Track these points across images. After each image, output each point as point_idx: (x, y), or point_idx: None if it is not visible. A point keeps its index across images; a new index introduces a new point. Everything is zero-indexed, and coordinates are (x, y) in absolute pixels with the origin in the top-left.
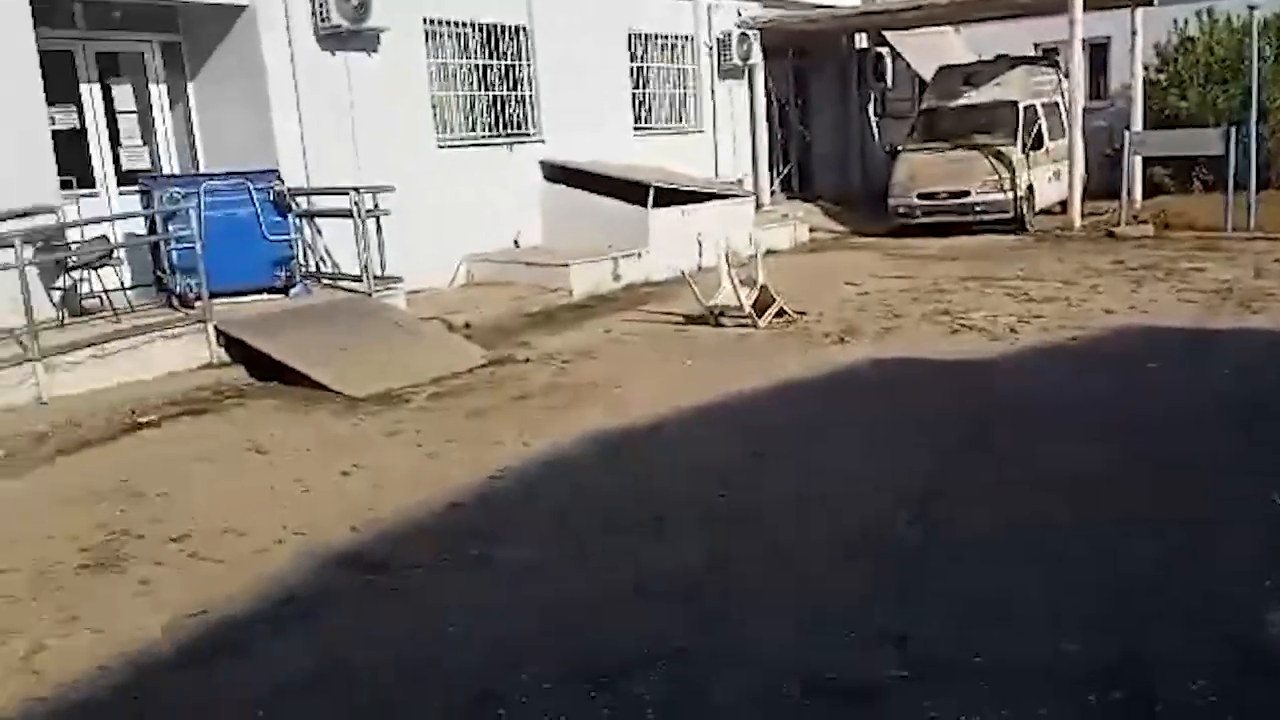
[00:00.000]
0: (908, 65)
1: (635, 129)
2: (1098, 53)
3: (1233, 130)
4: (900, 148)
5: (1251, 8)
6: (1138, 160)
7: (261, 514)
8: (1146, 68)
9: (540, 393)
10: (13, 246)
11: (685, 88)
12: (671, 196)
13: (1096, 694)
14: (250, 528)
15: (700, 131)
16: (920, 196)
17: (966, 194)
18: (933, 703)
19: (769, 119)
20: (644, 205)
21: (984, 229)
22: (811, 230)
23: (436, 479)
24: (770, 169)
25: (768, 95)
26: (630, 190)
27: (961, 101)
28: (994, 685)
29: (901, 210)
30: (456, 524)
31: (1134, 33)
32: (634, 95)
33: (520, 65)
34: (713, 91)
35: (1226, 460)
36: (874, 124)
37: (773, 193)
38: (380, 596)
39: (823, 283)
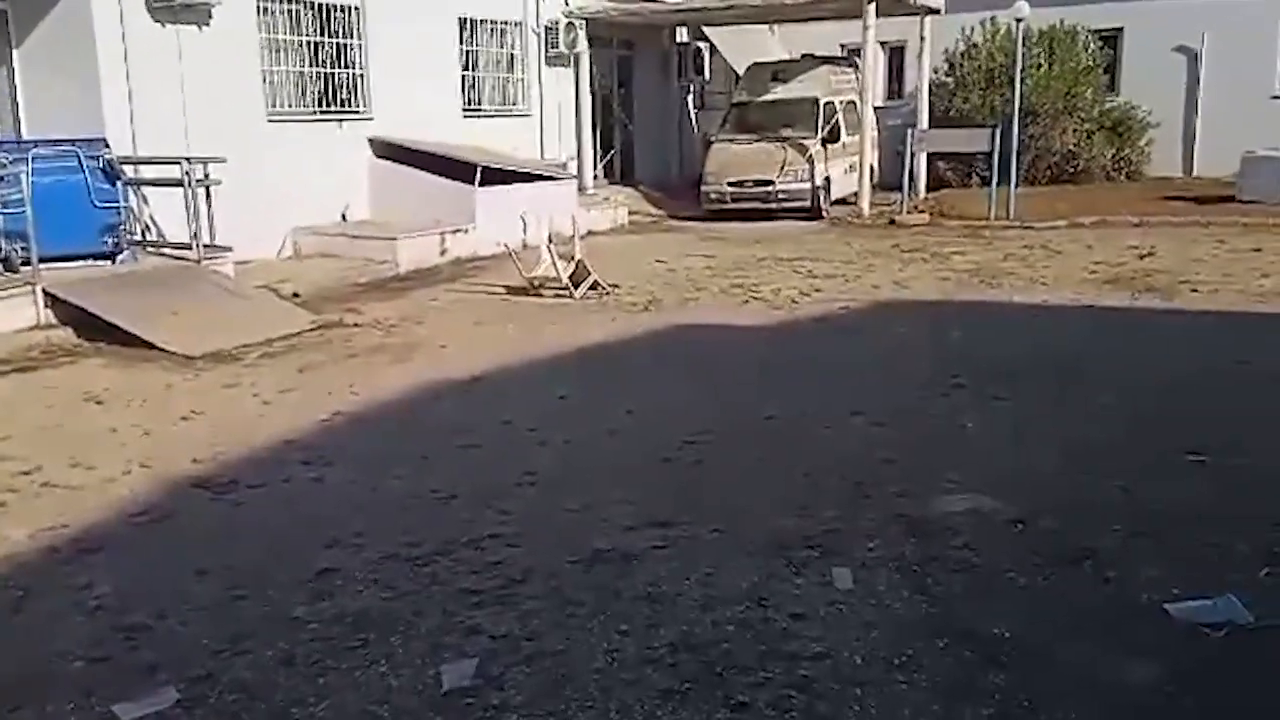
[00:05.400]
0: (725, 60)
1: (464, 110)
2: (896, 55)
3: (998, 130)
4: (713, 138)
5: (1017, 20)
6: (923, 156)
7: (106, 452)
8: (936, 71)
9: (367, 352)
10: None
11: (513, 72)
12: (498, 176)
13: None
14: (97, 462)
15: (527, 115)
16: (730, 184)
17: (770, 183)
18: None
19: (593, 106)
20: (471, 183)
21: (785, 216)
22: (631, 214)
23: (273, 422)
24: (594, 154)
25: (592, 83)
26: (458, 169)
27: (768, 96)
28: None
29: (713, 196)
30: (293, 455)
31: (922, 38)
32: (463, 77)
33: (351, 44)
34: (540, 77)
35: (925, 379)
36: (693, 115)
37: (596, 177)
38: (229, 507)
39: (637, 260)
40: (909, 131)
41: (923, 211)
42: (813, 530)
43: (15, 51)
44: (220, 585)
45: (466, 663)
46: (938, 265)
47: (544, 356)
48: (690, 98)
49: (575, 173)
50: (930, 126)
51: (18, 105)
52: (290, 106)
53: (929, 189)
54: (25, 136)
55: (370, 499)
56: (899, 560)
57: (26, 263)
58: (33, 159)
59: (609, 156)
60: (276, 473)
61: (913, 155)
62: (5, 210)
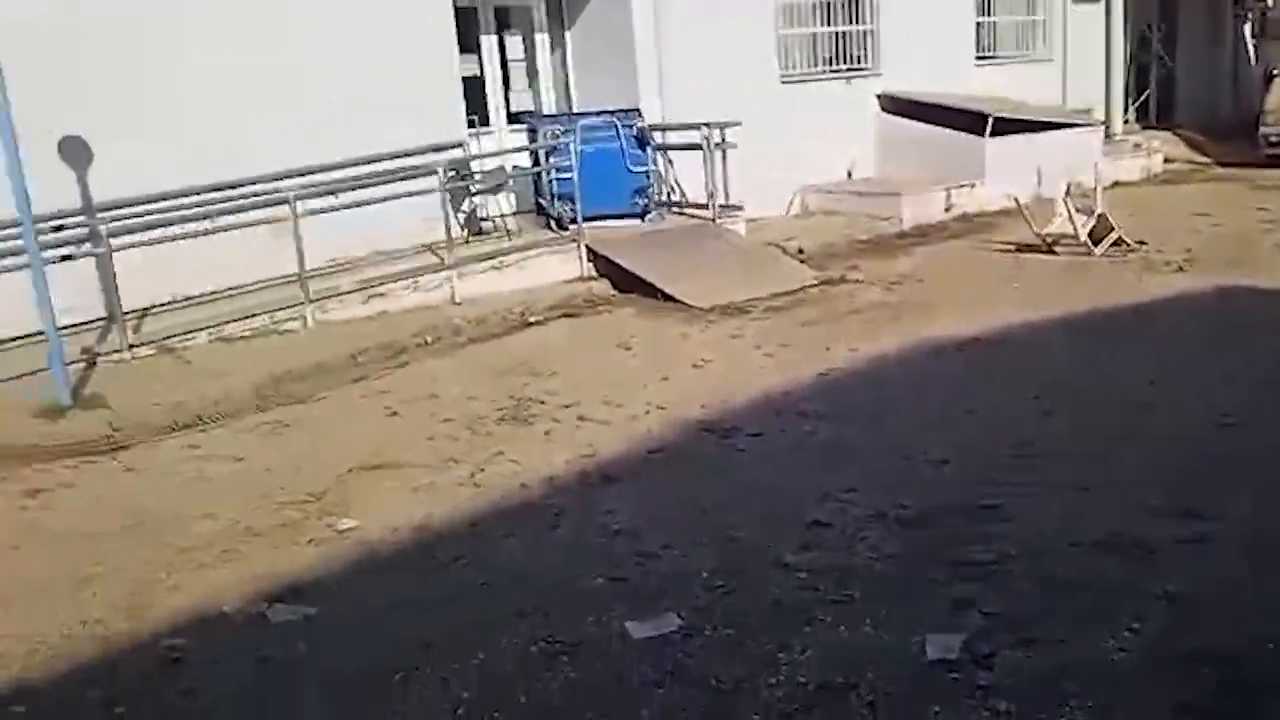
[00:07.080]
0: None
1: (977, 59)
2: None
3: None
4: (1276, 71)
5: None
6: None
7: (630, 392)
8: None
9: (866, 309)
10: (436, 174)
11: (1034, 15)
12: (1010, 126)
13: None
14: (623, 401)
15: (1049, 60)
16: None
17: None
18: None
19: (1126, 44)
20: (980, 135)
21: None
22: (1168, 161)
23: (773, 373)
24: (1124, 97)
25: (1126, 19)
26: (966, 120)
27: None
28: None
29: (1274, 139)
30: (790, 407)
31: None
32: (978, 24)
33: (864, 0)
34: (1065, 17)
35: None
36: (1250, 45)
37: (1126, 122)
38: (731, 452)
39: (1172, 214)
40: None
41: None
42: None
43: (568, 34)
44: (719, 523)
45: (953, 636)
46: None
47: (1053, 318)
48: (1248, 26)
49: (1101, 118)
50: None
51: (569, 81)
52: (801, 67)
53: None
54: (575, 109)
55: (861, 457)
56: None
57: (574, 221)
58: (580, 129)
59: (1143, 98)
60: (774, 423)
61: None
62: (558, 175)
